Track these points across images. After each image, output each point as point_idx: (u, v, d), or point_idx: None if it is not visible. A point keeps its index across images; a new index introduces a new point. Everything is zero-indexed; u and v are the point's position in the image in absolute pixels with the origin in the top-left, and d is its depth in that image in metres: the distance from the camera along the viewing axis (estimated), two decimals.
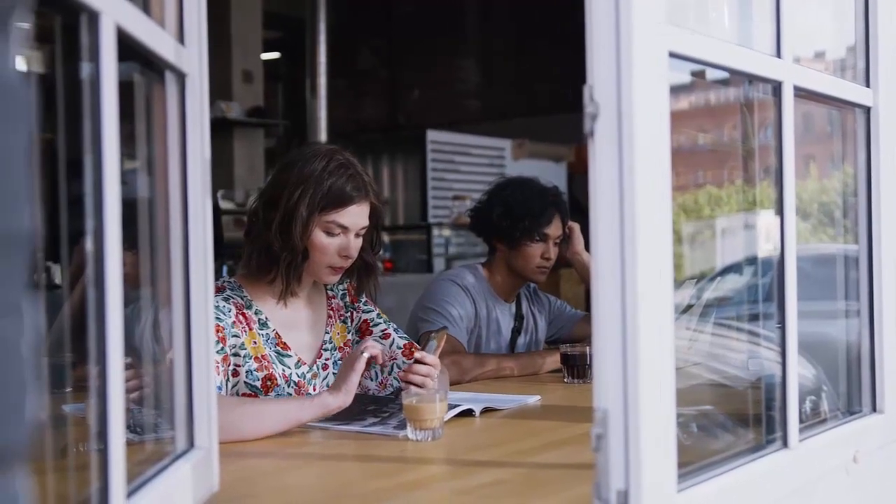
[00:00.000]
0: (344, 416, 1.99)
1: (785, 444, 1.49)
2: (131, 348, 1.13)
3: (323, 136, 9.26)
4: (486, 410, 2.17)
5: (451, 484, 1.59)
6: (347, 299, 2.39)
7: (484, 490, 1.52)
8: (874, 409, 1.78)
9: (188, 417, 1.34)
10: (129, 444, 1.04)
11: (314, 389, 2.24)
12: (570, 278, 5.92)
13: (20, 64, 0.59)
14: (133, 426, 1.26)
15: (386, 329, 2.37)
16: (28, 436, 0.57)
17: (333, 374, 2.28)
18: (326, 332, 2.32)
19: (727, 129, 1.94)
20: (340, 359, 2.31)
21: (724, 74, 1.54)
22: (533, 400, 2.33)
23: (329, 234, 2.17)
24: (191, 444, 1.34)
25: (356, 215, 2.18)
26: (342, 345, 2.34)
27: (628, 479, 1.14)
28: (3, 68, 0.56)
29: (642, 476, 1.13)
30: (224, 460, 1.43)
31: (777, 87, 1.48)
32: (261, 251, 2.18)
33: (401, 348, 2.33)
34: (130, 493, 1.06)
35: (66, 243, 1.03)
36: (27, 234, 0.56)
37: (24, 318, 0.56)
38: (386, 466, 1.70)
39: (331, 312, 2.35)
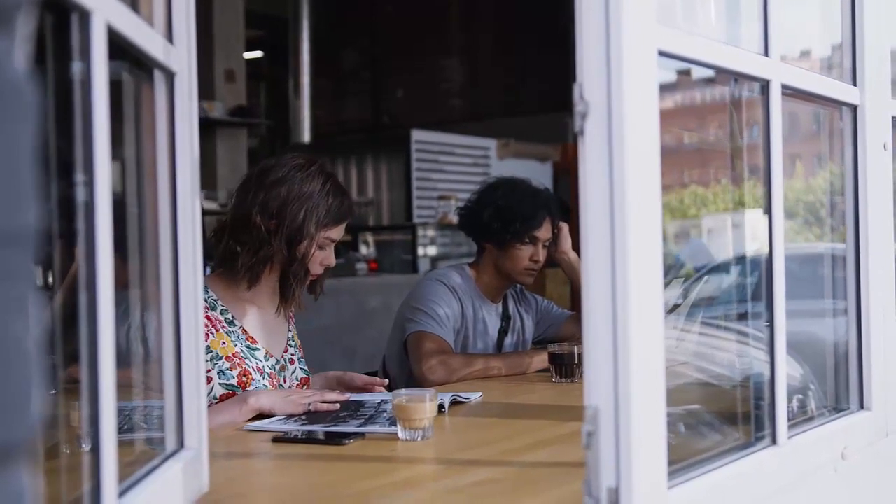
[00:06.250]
0: (330, 421, 1.99)
1: (774, 441, 1.49)
2: (118, 350, 1.13)
3: (306, 136, 9.24)
4: (454, 403, 2.21)
5: (442, 483, 1.59)
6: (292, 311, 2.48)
7: (475, 489, 1.52)
8: (861, 407, 1.79)
9: (178, 418, 1.33)
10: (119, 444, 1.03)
11: (284, 381, 2.32)
12: (556, 278, 5.91)
13: (25, 63, 0.59)
14: (121, 426, 1.26)
15: (297, 354, 2.44)
16: (34, 433, 0.57)
17: (301, 368, 2.40)
18: (290, 330, 2.41)
19: (712, 128, 1.94)
20: (301, 357, 2.42)
21: (708, 73, 1.55)
22: (475, 397, 2.33)
23: (321, 248, 2.26)
24: (181, 444, 1.33)
25: (343, 229, 2.31)
26: (298, 345, 2.44)
27: (619, 476, 1.14)
28: (8, 67, 0.57)
29: (633, 473, 1.13)
30: (213, 461, 1.43)
31: (765, 86, 1.49)
32: (263, 261, 2.22)
33: (298, 380, 2.40)
34: (121, 494, 1.05)
35: (58, 244, 1.02)
36: (33, 232, 0.56)
37: (30, 315, 0.56)
38: (376, 466, 1.70)
39: (290, 314, 2.43)
